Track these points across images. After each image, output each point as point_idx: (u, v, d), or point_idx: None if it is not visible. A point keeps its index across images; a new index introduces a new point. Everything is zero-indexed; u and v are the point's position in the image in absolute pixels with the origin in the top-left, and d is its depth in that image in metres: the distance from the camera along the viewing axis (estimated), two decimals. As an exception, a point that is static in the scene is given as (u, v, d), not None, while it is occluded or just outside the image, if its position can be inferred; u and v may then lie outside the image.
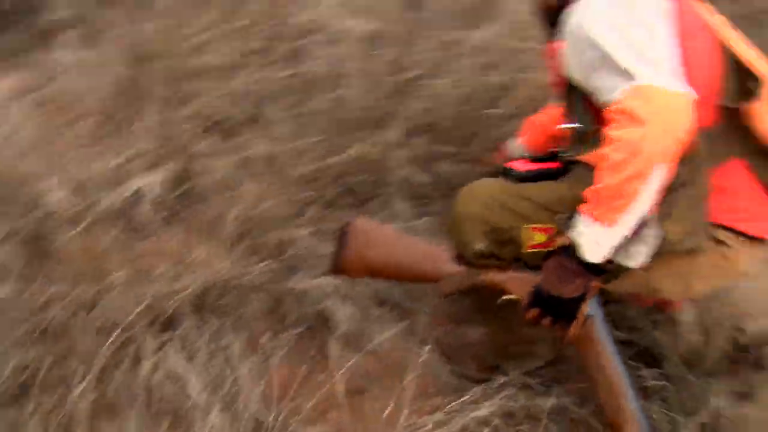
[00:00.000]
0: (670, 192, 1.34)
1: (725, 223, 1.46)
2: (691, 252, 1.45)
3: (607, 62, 1.34)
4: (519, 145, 2.12)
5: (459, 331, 1.88)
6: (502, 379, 1.72)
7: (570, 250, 1.35)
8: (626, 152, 1.25)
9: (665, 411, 1.67)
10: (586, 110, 1.52)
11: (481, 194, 1.59)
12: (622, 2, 1.41)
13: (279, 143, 2.05)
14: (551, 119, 2.00)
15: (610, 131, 1.29)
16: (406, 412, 1.55)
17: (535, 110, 2.18)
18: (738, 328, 1.80)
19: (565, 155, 1.61)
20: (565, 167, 1.62)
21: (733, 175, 1.45)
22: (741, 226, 1.47)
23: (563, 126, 1.58)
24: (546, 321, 1.43)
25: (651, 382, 1.66)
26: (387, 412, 1.57)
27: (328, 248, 1.75)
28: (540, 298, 1.42)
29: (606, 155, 1.28)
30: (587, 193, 1.32)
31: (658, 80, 1.27)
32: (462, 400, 1.58)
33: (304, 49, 2.51)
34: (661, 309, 1.86)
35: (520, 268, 1.54)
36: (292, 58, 2.42)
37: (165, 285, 1.58)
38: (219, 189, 1.96)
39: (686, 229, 1.41)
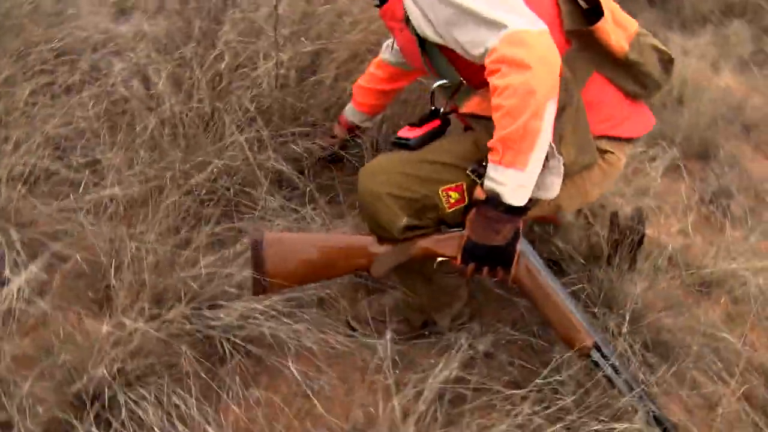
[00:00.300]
0: (556, 120, 1.43)
1: (604, 133, 1.60)
2: (586, 167, 1.58)
3: (465, 17, 1.41)
4: (356, 111, 2.19)
5: (377, 302, 1.90)
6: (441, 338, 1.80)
7: (490, 201, 1.41)
8: (520, 96, 1.33)
9: (590, 310, 1.84)
10: (448, 65, 1.59)
11: (384, 171, 1.60)
12: None
13: (127, 180, 1.87)
14: (376, 79, 2.11)
15: (496, 80, 1.36)
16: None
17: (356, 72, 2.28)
18: (613, 214, 2.02)
19: (445, 112, 1.67)
20: (447, 121, 1.68)
21: (597, 89, 1.59)
22: (617, 132, 1.63)
23: (436, 84, 1.64)
24: (484, 271, 1.48)
25: (569, 288, 1.79)
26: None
27: (234, 269, 1.67)
28: (472, 253, 1.47)
29: (499, 104, 1.35)
30: (492, 143, 1.39)
31: (523, 24, 1.36)
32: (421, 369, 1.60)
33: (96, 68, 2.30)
34: (548, 221, 2.02)
35: (445, 230, 1.58)
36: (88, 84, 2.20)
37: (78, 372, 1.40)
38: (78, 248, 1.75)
39: (578, 149, 1.53)
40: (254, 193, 1.97)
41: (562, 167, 1.47)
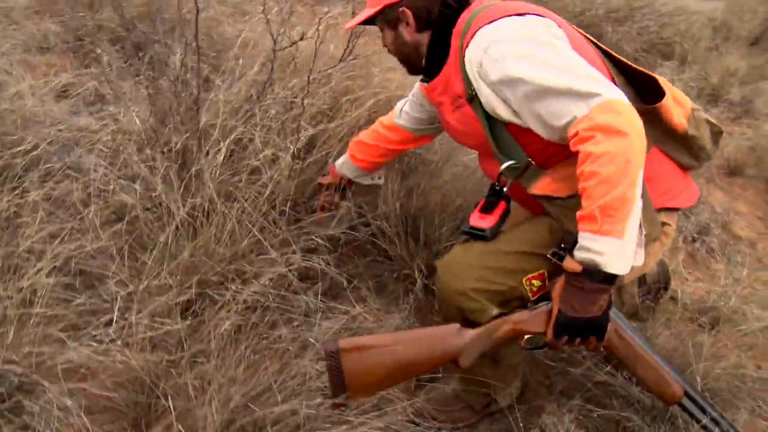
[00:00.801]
0: None
1: (663, 205, 1.63)
2: (653, 240, 1.59)
3: (546, 92, 1.39)
4: (352, 166, 2.14)
5: (434, 392, 1.82)
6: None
7: (587, 272, 1.37)
8: (618, 164, 1.30)
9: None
10: (515, 143, 1.56)
11: (465, 267, 1.58)
12: (521, 35, 1.48)
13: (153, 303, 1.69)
14: (386, 140, 2.07)
15: (590, 147, 1.32)
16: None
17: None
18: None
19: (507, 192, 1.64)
20: (509, 200, 1.65)
21: (656, 163, 1.62)
22: (674, 203, 1.67)
23: (505, 165, 1.59)
24: (577, 342, 1.44)
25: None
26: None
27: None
28: (567, 326, 1.43)
29: (594, 171, 1.32)
30: (587, 213, 1.34)
31: (615, 94, 1.36)
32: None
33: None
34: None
35: (531, 306, 1.52)
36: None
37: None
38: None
39: (649, 223, 1.54)
40: (289, 296, 1.83)
41: (644, 238, 1.47)
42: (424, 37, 1.68)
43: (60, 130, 2.21)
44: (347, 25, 1.79)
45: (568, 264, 1.40)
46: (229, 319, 1.63)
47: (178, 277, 1.76)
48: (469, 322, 1.55)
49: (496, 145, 1.58)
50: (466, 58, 1.53)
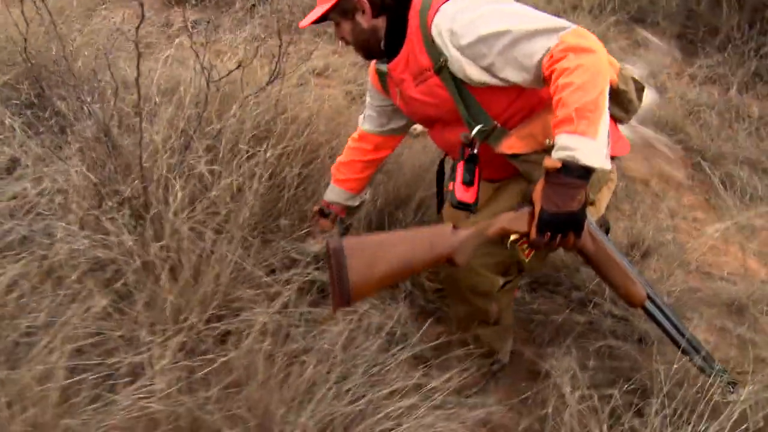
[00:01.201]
0: None
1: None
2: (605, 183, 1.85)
3: (520, 37, 1.56)
4: (340, 191, 2.20)
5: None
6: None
7: (566, 168, 1.49)
8: (591, 74, 1.49)
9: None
10: (482, 109, 1.73)
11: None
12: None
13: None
14: (361, 151, 2.17)
15: (564, 63, 1.50)
16: None
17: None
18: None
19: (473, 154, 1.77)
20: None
21: None
22: (614, 151, 1.86)
23: (474, 131, 1.74)
24: (558, 238, 1.55)
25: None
26: None
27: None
28: (549, 222, 1.54)
29: (569, 82, 1.48)
30: (564, 116, 1.49)
31: (577, 26, 1.57)
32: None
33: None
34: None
35: (517, 207, 1.62)
36: None
37: None
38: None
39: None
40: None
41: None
42: (380, 22, 1.80)
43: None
44: (302, 23, 1.85)
45: (548, 162, 1.51)
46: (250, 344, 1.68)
47: (184, 317, 1.77)
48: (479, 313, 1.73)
49: (465, 110, 1.74)
50: (433, 32, 1.67)
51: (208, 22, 3.78)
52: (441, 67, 1.70)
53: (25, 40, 2.16)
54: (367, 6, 1.79)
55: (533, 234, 1.56)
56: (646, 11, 4.70)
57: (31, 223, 2.02)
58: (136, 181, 2.06)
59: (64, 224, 1.96)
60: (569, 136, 1.48)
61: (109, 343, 1.73)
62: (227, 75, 2.17)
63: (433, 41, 1.70)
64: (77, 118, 2.31)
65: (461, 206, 1.74)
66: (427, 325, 1.92)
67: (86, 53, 2.75)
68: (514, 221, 1.59)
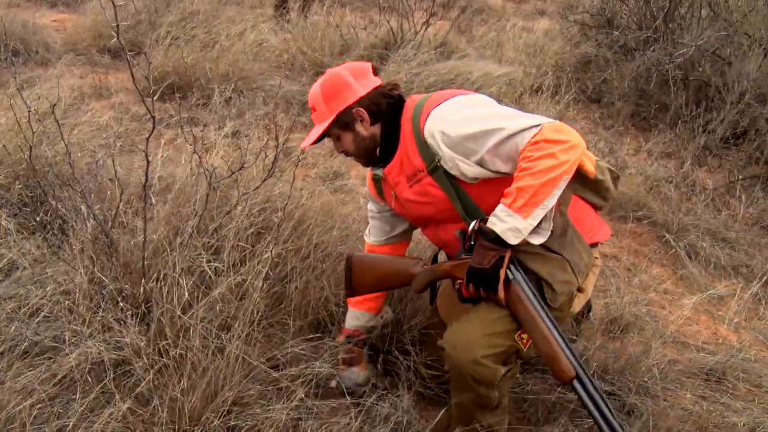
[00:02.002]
0: (568, 242, 1.90)
1: (590, 241, 2.02)
2: (592, 267, 2.00)
3: (509, 136, 1.73)
4: (360, 313, 2.25)
5: None
6: None
7: (483, 231, 1.76)
8: (550, 164, 1.68)
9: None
10: (475, 204, 1.88)
11: (470, 339, 1.83)
12: (473, 102, 1.88)
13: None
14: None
15: (533, 148, 1.69)
16: None
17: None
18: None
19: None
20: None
21: (578, 207, 2.02)
22: (596, 238, 2.07)
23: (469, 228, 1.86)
24: (480, 292, 1.81)
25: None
26: None
27: None
28: (471, 275, 1.81)
29: (529, 167, 1.68)
30: (509, 190, 1.72)
31: (553, 121, 1.76)
32: None
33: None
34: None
35: (460, 256, 1.90)
36: None
37: None
38: None
39: (588, 254, 1.96)
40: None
41: (549, 234, 1.80)
42: (376, 128, 1.97)
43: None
44: (303, 144, 1.99)
45: (474, 223, 1.81)
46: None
47: (204, 417, 1.82)
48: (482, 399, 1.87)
49: (462, 207, 1.88)
50: (426, 135, 1.85)
51: (193, 119, 3.90)
52: (435, 168, 1.85)
53: (31, 148, 2.24)
54: (365, 114, 1.94)
55: (465, 281, 1.84)
56: (602, 92, 5.01)
57: (37, 328, 2.06)
58: (142, 280, 2.12)
59: (73, 326, 2.01)
60: (503, 207, 1.72)
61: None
62: (229, 177, 2.27)
63: (426, 143, 1.86)
64: (75, 219, 2.37)
65: (467, 301, 1.88)
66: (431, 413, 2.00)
67: (79, 154, 2.83)
68: (456, 268, 1.90)
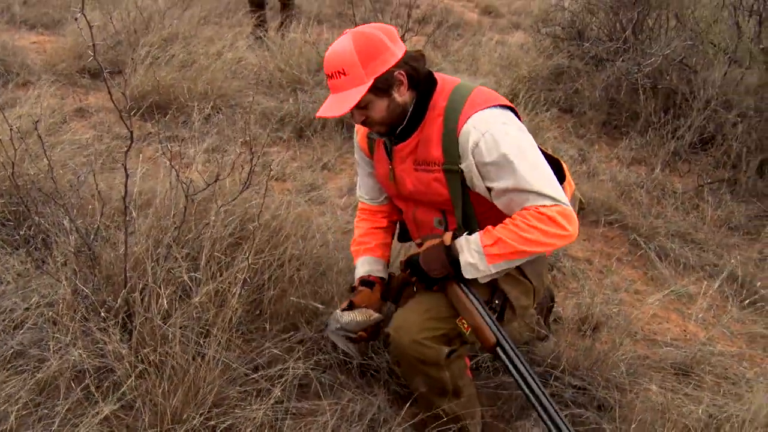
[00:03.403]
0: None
1: None
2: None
3: (526, 189, 1.77)
4: (374, 260, 2.22)
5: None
6: None
7: (449, 248, 1.86)
8: (539, 240, 1.76)
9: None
10: (473, 212, 1.96)
11: (413, 323, 1.91)
12: (510, 129, 1.83)
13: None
14: (369, 222, 2.30)
15: (535, 217, 1.75)
16: None
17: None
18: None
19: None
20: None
21: None
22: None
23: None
24: (414, 281, 1.98)
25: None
26: None
27: None
28: (413, 266, 1.95)
29: (522, 227, 1.76)
30: (494, 234, 1.80)
31: (568, 205, 1.80)
32: None
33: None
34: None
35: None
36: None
37: None
38: None
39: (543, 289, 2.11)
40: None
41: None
42: (409, 97, 1.88)
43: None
44: (339, 112, 1.80)
45: (446, 236, 1.89)
46: None
47: (185, 417, 1.88)
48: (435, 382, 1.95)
49: (461, 211, 1.94)
50: (461, 134, 1.81)
51: (174, 137, 3.97)
52: (453, 169, 1.86)
53: (13, 164, 2.30)
54: (405, 78, 1.84)
55: (402, 263, 2.02)
56: (574, 102, 5.13)
57: (22, 338, 2.11)
58: (123, 291, 2.19)
59: (57, 335, 2.07)
60: (478, 243, 1.82)
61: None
62: (205, 189, 2.35)
63: (456, 142, 1.83)
64: (58, 233, 2.44)
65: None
66: (406, 407, 2.06)
67: (61, 171, 2.90)
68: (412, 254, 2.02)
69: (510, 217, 1.83)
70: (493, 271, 1.82)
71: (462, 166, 1.85)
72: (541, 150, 1.92)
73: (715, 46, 4.89)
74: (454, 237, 1.88)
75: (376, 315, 2.06)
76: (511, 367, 1.83)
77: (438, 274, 1.89)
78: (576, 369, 2.42)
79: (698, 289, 3.19)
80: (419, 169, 1.95)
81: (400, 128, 1.92)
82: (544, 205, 1.76)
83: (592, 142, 4.72)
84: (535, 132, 4.47)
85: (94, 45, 1.78)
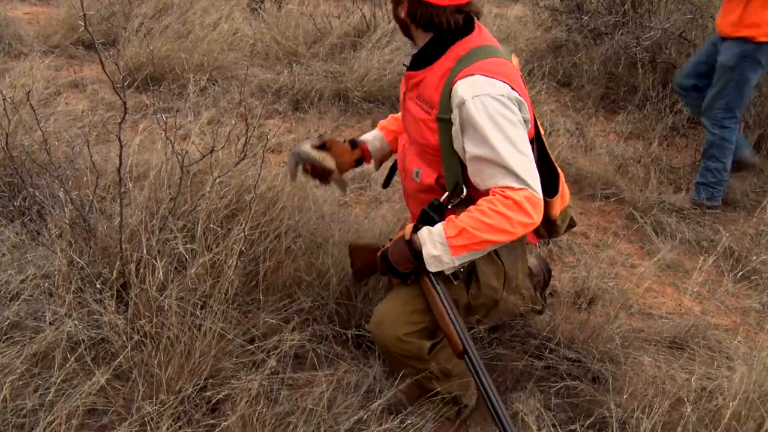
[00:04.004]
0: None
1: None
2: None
3: (500, 162, 1.74)
4: (380, 136, 2.33)
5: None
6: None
7: (412, 242, 1.82)
8: (504, 228, 1.73)
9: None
10: (460, 170, 1.91)
11: (391, 318, 1.92)
12: (503, 104, 1.78)
13: None
14: (396, 125, 2.31)
15: (503, 201, 1.72)
16: None
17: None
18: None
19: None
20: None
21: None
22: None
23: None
24: (387, 274, 1.94)
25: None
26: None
27: None
28: (384, 260, 1.90)
29: (488, 214, 1.72)
30: (458, 224, 1.75)
31: (539, 191, 1.78)
32: None
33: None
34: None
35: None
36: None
37: None
38: None
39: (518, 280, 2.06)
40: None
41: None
42: (421, 34, 1.89)
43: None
44: None
45: (407, 229, 1.85)
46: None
47: (178, 387, 1.89)
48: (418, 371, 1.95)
49: (447, 165, 1.90)
50: (454, 87, 1.79)
51: (170, 108, 3.94)
52: (444, 119, 1.83)
53: (7, 135, 2.28)
54: (406, 2, 1.86)
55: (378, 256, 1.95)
56: (572, 76, 5.10)
57: (18, 309, 2.11)
58: (118, 263, 2.19)
59: (52, 307, 2.07)
60: (441, 234, 1.78)
61: (110, 416, 1.84)
62: (200, 160, 2.33)
63: (450, 92, 1.81)
64: (53, 205, 2.43)
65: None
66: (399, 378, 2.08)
67: (56, 142, 2.88)
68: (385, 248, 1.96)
69: (475, 202, 1.81)
70: (457, 263, 1.79)
71: (452, 117, 1.82)
72: (543, 156, 1.94)
73: (714, 19, 4.85)
74: (415, 229, 1.85)
75: (329, 164, 2.19)
76: (473, 373, 1.80)
77: (405, 269, 1.86)
78: (571, 342, 2.43)
79: (694, 264, 3.20)
80: (419, 105, 1.92)
81: (413, 57, 1.93)
82: (512, 188, 1.74)
83: (590, 116, 4.69)
84: (533, 105, 4.48)
85: (84, 15, 1.75)
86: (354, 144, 2.29)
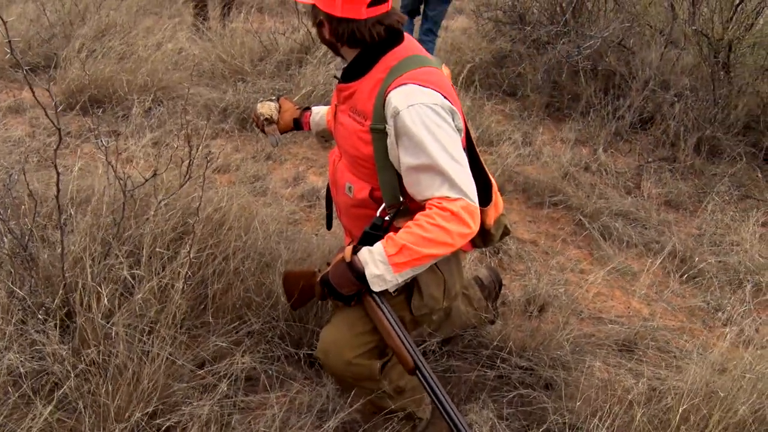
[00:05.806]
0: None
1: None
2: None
3: (436, 170, 1.73)
4: (321, 119, 2.45)
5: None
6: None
7: (353, 264, 1.78)
8: (443, 240, 1.72)
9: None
10: (396, 184, 1.88)
11: (338, 343, 1.90)
12: (438, 113, 1.76)
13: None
14: None
15: (440, 213, 1.71)
16: None
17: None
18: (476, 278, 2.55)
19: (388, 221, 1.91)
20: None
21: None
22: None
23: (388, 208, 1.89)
24: (327, 298, 1.90)
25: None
26: None
27: None
28: (325, 284, 1.86)
29: (426, 227, 1.71)
30: (398, 241, 1.73)
31: (475, 201, 1.77)
32: None
33: None
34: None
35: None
36: None
37: None
38: None
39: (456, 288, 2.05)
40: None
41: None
42: (349, 50, 1.90)
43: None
44: None
45: (347, 251, 1.81)
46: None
47: (127, 415, 1.85)
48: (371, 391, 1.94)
49: (380, 178, 1.87)
50: (387, 97, 1.78)
51: (113, 132, 3.88)
52: (379, 130, 1.81)
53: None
54: (327, 27, 1.87)
55: (318, 281, 1.91)
56: (517, 85, 5.18)
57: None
58: (60, 292, 2.13)
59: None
60: (382, 253, 1.75)
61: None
62: (143, 184, 2.29)
63: (383, 102, 1.80)
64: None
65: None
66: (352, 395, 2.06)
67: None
68: (324, 272, 1.91)
69: (411, 212, 1.81)
70: (401, 281, 1.77)
71: (387, 127, 1.80)
72: (476, 164, 1.92)
73: (651, 27, 5.00)
74: (355, 251, 1.82)
75: (267, 111, 2.41)
76: (427, 387, 1.79)
77: (348, 292, 1.83)
78: (523, 350, 2.45)
79: (641, 266, 3.27)
80: (352, 116, 1.91)
81: (344, 69, 1.94)
82: (448, 198, 1.73)
83: (536, 125, 4.76)
84: (479, 116, 4.53)
85: (10, 42, 1.71)
86: (306, 109, 2.47)
